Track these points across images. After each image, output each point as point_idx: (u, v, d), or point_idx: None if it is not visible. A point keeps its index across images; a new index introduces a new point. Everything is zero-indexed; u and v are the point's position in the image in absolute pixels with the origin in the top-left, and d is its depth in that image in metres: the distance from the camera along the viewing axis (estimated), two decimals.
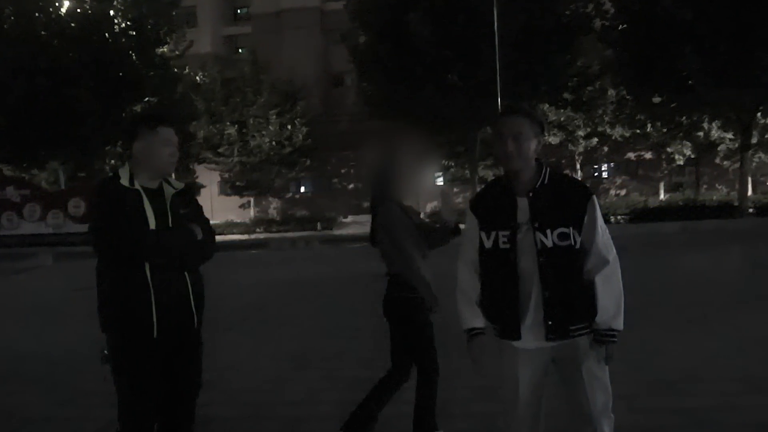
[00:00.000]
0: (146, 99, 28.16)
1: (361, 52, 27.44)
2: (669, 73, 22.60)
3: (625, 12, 23.86)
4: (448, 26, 23.76)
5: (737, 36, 20.88)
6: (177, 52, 30.05)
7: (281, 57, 41.59)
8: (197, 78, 34.49)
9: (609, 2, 24.93)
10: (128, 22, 27.72)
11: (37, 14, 26.61)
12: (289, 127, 35.44)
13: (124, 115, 26.88)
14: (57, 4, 27.10)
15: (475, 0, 23.58)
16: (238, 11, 50.19)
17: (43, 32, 26.48)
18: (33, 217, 26.52)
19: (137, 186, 3.01)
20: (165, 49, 29.30)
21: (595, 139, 34.15)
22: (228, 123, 34.95)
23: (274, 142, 35.06)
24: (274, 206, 38.96)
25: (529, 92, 24.98)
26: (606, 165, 40.84)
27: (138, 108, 27.76)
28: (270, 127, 34.75)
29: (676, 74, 22.47)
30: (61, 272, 17.55)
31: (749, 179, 27.31)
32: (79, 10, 27.02)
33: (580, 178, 30.43)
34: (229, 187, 37.60)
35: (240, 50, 46.84)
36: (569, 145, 34.30)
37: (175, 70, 29.76)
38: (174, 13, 29.08)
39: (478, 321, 2.90)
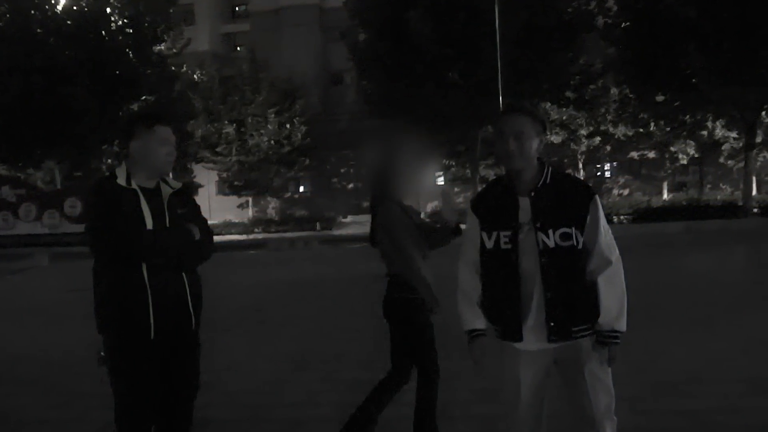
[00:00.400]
0: (143, 97, 28.13)
1: (360, 50, 27.40)
2: (672, 72, 22.60)
3: (628, 9, 23.86)
4: (449, 24, 23.72)
5: (742, 34, 20.89)
6: (174, 50, 29.98)
7: (280, 55, 41.60)
8: (195, 76, 34.45)
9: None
10: (125, 20, 27.76)
11: (32, 12, 26.62)
12: (287, 125, 35.42)
13: (120, 113, 26.84)
14: (53, 1, 27.07)
15: None
16: (237, 8, 50.11)
17: (39, 30, 26.48)
18: (29, 217, 26.64)
19: (134, 185, 3.01)
20: (162, 47, 29.24)
21: (598, 138, 34.03)
22: (226, 122, 34.94)
23: (272, 141, 35.04)
24: (272, 206, 38.88)
25: (530, 90, 25.01)
26: (609, 164, 40.84)
27: (135, 106, 27.73)
28: (268, 126, 34.74)
29: (680, 72, 22.48)
30: (57, 273, 17.53)
31: (754, 179, 27.25)
32: (75, 8, 26.99)
33: (582, 178, 30.21)
34: (228, 187, 37.52)
35: (238, 48, 46.90)
36: (571, 144, 34.25)
37: (173, 68, 29.79)
38: (171, 11, 28.96)
39: (479, 322, 2.90)
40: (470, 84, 24.18)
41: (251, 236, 29.68)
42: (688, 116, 26.17)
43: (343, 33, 28.45)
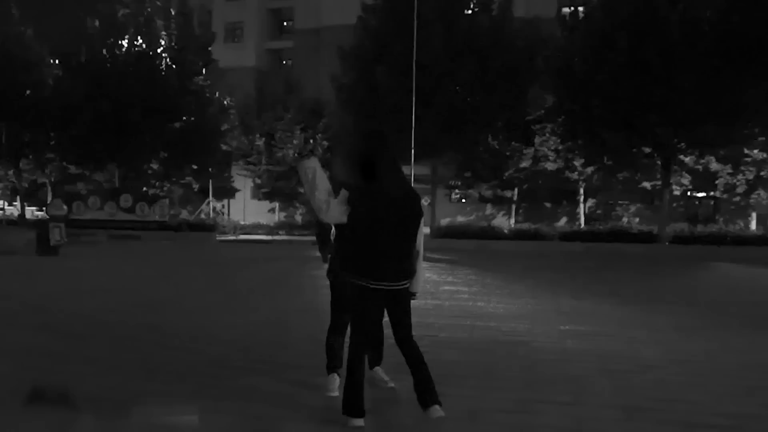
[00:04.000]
0: (183, 118, 31.74)
1: (343, 90, 29.57)
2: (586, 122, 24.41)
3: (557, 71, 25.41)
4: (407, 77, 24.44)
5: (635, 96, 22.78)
6: (209, 81, 33.18)
7: (318, 72, 40.65)
8: (225, 102, 35.48)
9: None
10: (171, 59, 31.83)
11: (103, 51, 31.13)
12: (311, 140, 36.38)
13: (165, 130, 30.94)
14: (119, 42, 31.30)
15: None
16: (284, 23, 48.88)
17: (108, 65, 30.75)
18: (94, 206, 30.85)
19: None
20: (200, 79, 32.61)
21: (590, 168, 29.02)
22: (258, 135, 36.01)
23: (297, 154, 36.00)
24: (300, 212, 38.97)
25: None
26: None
27: (177, 125, 31.38)
28: (294, 141, 35.86)
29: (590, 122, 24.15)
30: (112, 247, 23.28)
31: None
32: (134, 50, 31.31)
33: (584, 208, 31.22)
34: (261, 193, 38.37)
35: (285, 62, 47.18)
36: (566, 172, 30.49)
37: (208, 95, 33.11)
38: (210, 49, 33.49)
39: None
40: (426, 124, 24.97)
41: (275, 237, 30.49)
42: (605, 158, 26.22)
43: (333, 77, 30.20)
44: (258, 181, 37.81)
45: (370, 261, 4.10)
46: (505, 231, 27.12)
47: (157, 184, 34.04)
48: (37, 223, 20.83)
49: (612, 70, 22.88)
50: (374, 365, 5.09)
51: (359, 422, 4.10)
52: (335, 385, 4.89)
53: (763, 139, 24.61)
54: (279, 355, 6.28)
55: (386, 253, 4.12)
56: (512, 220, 33.17)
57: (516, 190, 32.82)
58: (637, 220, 32.47)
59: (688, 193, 33.25)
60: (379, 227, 4.08)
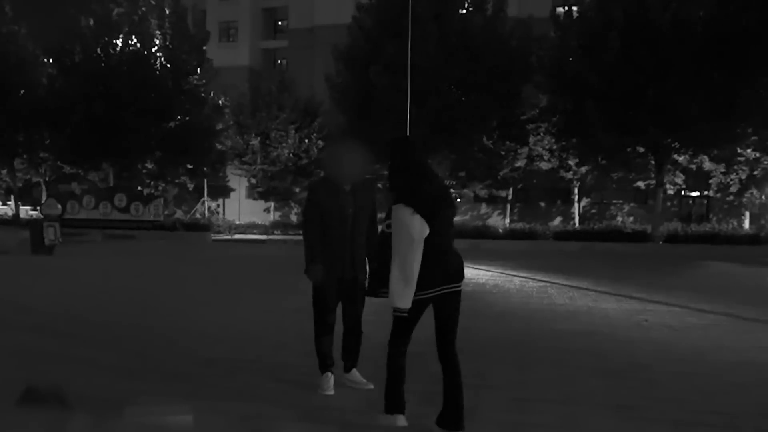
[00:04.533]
0: (177, 118, 31.69)
1: (339, 90, 29.27)
2: (579, 122, 24.20)
3: (551, 72, 25.38)
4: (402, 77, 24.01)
5: (629, 95, 22.79)
6: (204, 81, 32.94)
7: (313, 71, 40.92)
8: (219, 102, 35.40)
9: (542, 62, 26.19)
10: (165, 59, 31.57)
11: (98, 51, 30.89)
12: (306, 140, 36.38)
13: (158, 130, 30.88)
14: (113, 41, 31.08)
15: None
16: (279, 23, 48.54)
17: (102, 65, 30.56)
18: (89, 206, 30.55)
19: None
20: (194, 78, 32.45)
21: (584, 168, 29.21)
22: (253, 134, 35.96)
23: (292, 154, 36.04)
24: (295, 211, 38.99)
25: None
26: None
27: (171, 125, 31.34)
28: (289, 140, 35.81)
29: (583, 123, 23.90)
30: (106, 246, 23.13)
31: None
32: (128, 49, 31.06)
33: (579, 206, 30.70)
34: (256, 192, 38.34)
35: (279, 62, 46.94)
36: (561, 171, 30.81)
37: (203, 94, 32.93)
38: (204, 48, 32.99)
39: None
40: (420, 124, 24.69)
41: (271, 237, 30.47)
42: (599, 158, 26.10)
43: (327, 76, 29.98)
44: (253, 180, 37.69)
45: (435, 267, 3.93)
46: (500, 230, 27.14)
47: (151, 183, 34.02)
48: (32, 223, 20.73)
49: (605, 69, 22.95)
50: (351, 368, 5.14)
51: (403, 421, 4.12)
52: (330, 384, 4.91)
53: (756, 138, 24.66)
54: (274, 355, 6.28)
55: (447, 253, 4.01)
56: (507, 220, 33.23)
57: (510, 189, 32.92)
58: (631, 219, 32.69)
59: (682, 193, 33.53)
60: (446, 230, 4.01)
